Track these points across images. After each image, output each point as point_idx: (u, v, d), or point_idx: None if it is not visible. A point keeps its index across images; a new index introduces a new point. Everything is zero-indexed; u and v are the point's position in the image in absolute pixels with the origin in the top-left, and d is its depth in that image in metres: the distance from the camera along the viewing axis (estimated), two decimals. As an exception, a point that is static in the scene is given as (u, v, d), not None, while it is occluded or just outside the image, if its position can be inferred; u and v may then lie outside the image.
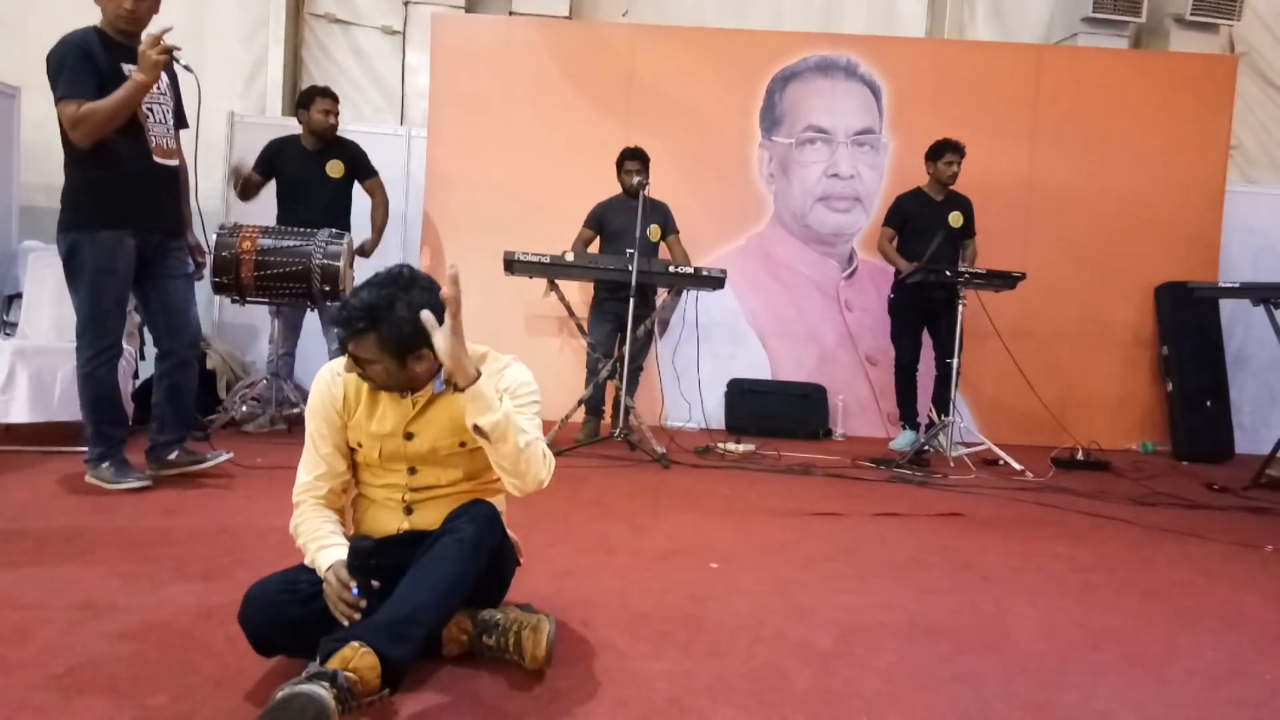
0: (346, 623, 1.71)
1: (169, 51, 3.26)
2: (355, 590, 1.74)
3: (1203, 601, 2.69)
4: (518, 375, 1.95)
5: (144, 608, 2.12)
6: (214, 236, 4.51)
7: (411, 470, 1.95)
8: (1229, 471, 5.48)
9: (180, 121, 3.66)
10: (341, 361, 1.92)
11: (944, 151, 5.50)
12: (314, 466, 1.96)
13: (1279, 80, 6.90)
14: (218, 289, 4.65)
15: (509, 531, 2.03)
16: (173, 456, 3.60)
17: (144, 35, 3.30)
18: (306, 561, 1.88)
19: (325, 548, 1.85)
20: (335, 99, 5.11)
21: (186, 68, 3.40)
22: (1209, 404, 6.19)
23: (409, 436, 1.93)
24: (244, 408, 5.06)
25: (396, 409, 1.93)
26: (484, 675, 1.83)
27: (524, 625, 1.86)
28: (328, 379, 1.95)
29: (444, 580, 1.72)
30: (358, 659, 1.55)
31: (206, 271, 4.25)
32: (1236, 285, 4.95)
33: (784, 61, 6.42)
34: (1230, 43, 6.83)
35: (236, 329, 6.22)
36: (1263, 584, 2.92)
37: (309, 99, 5.10)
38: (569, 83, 6.31)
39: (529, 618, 1.89)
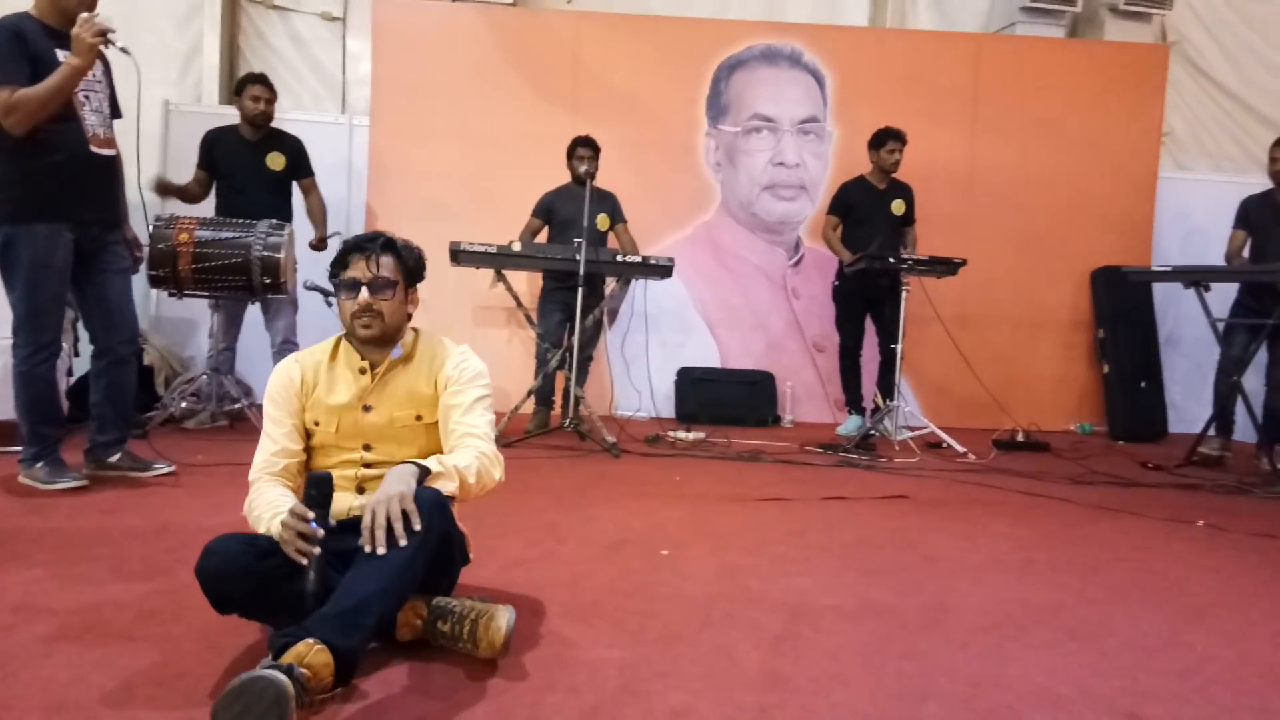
0: (305, 560, 1.70)
1: (104, 34, 3.16)
2: (314, 523, 1.72)
3: (1137, 576, 2.77)
4: (473, 365, 2.08)
5: (82, 609, 2.07)
6: (150, 228, 4.40)
7: (367, 447, 2.00)
8: (1163, 450, 5.66)
9: (114, 110, 3.55)
10: (300, 354, 2.02)
11: (886, 140, 5.56)
12: (270, 446, 2.00)
13: (1209, 69, 7.09)
14: (154, 282, 4.53)
15: (458, 524, 2.02)
16: (114, 459, 3.51)
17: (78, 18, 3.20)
18: (261, 530, 1.86)
19: (281, 512, 1.83)
20: (268, 85, 5.00)
21: (124, 50, 3.28)
22: (1143, 385, 6.38)
23: (367, 409, 2.01)
24: (183, 404, 4.94)
25: (355, 383, 2.02)
26: (435, 665, 1.83)
27: (482, 614, 1.85)
28: (287, 365, 2.05)
29: (393, 568, 1.70)
30: (312, 655, 1.54)
31: (143, 265, 4.15)
32: (1169, 269, 5.10)
33: (729, 50, 6.44)
34: (1163, 32, 7.01)
35: (174, 323, 6.07)
36: (1194, 558, 3.03)
37: (241, 86, 5.00)
38: (514, 70, 6.25)
39: (487, 606, 1.88)
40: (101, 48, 3.23)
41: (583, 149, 5.23)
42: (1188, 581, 2.74)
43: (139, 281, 3.94)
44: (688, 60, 6.41)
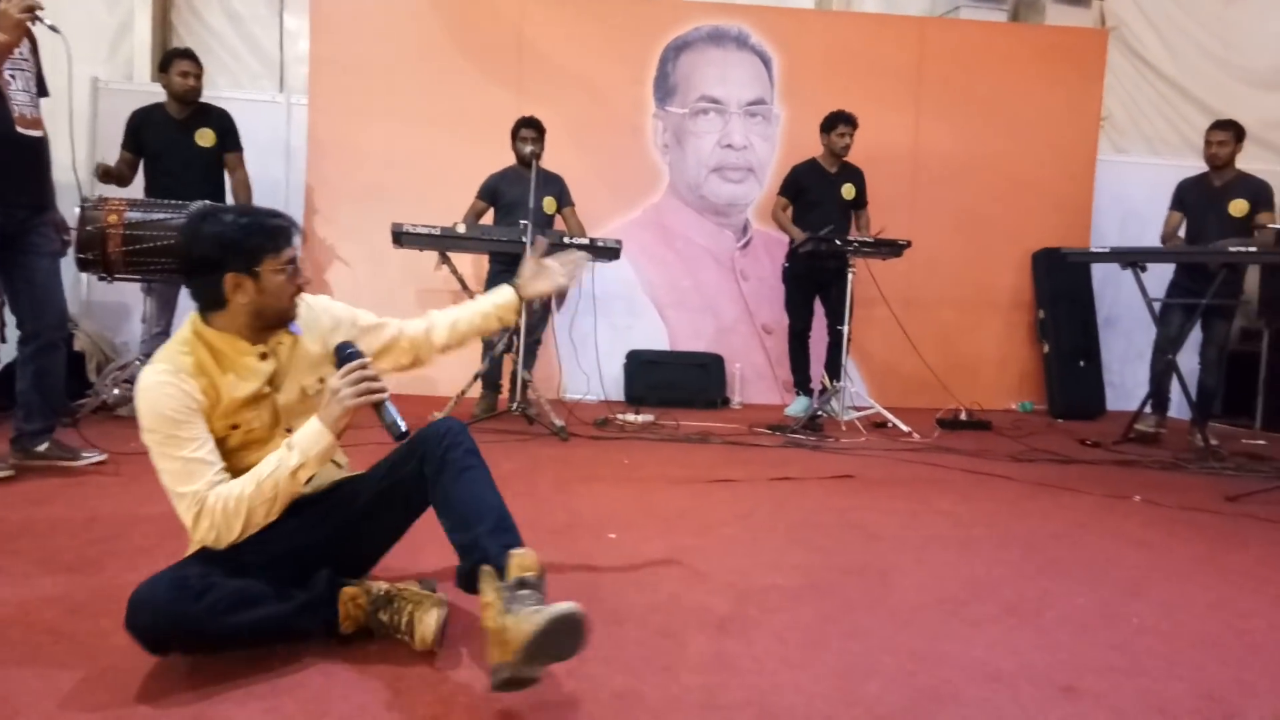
0: (384, 395, 1.78)
1: (32, 10, 3.03)
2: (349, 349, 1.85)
3: (1076, 551, 2.83)
4: (332, 300, 2.07)
5: (5, 603, 2.00)
6: (77, 210, 4.26)
7: (289, 429, 1.88)
8: (1101, 427, 5.79)
9: (41, 89, 3.42)
10: (165, 365, 1.76)
11: (836, 123, 5.58)
12: (205, 472, 1.74)
13: (1146, 54, 7.23)
14: (83, 266, 4.37)
15: None
16: (42, 448, 3.39)
17: None
18: (292, 463, 1.76)
19: (289, 445, 1.78)
20: (195, 60, 4.86)
21: (53, 28, 3.16)
22: (1082, 364, 6.51)
23: (274, 392, 1.88)
24: (116, 391, 4.80)
25: (258, 370, 1.85)
26: (376, 654, 1.80)
27: (416, 606, 1.83)
28: (170, 381, 1.73)
29: (487, 481, 1.84)
30: (530, 560, 1.66)
31: (71, 248, 4.01)
32: (1107, 250, 5.19)
33: (676, 30, 6.40)
34: (1101, 17, 7.12)
35: (105, 308, 5.89)
36: (1130, 532, 3.09)
37: (167, 62, 4.85)
38: (457, 48, 6.14)
39: (422, 597, 1.86)
40: (29, 25, 3.10)
41: (527, 130, 5.16)
42: (1124, 556, 2.80)
43: (68, 265, 3.81)
44: (634, 40, 6.36)
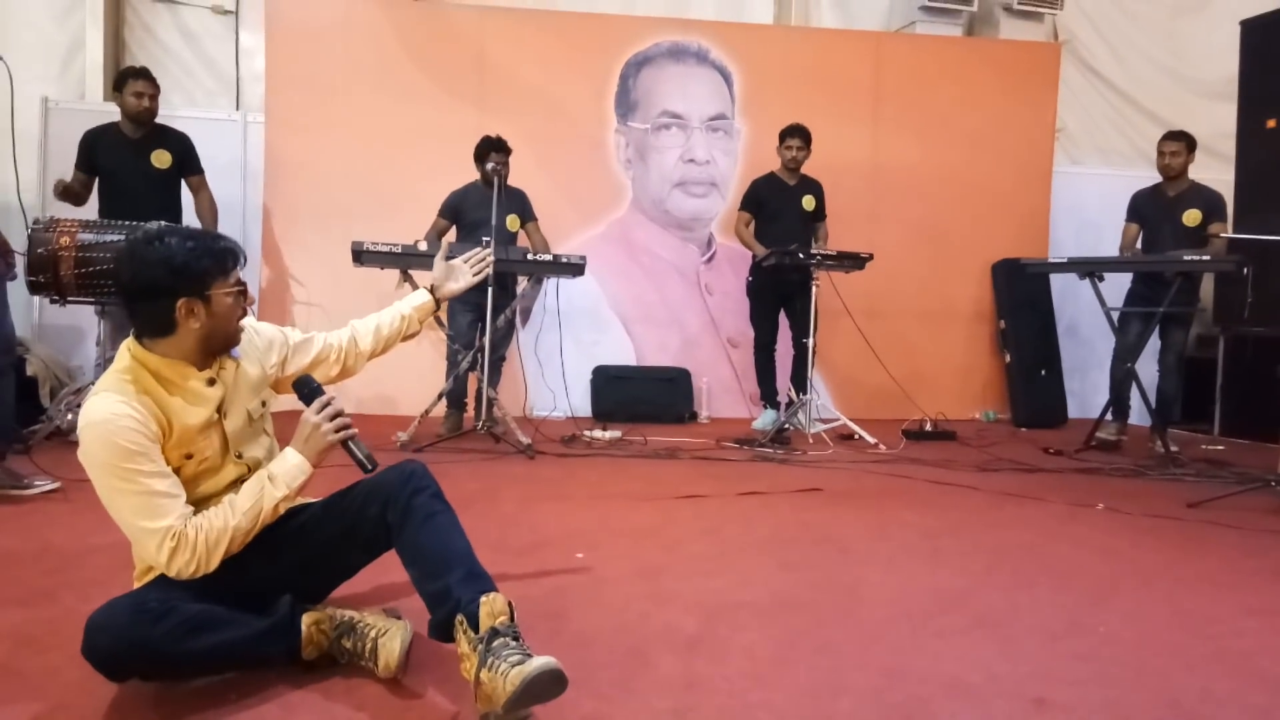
0: (354, 430, 1.83)
1: None
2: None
3: (1042, 560, 2.84)
4: (262, 324, 2.03)
5: (-51, 642, 1.93)
6: (28, 232, 4.16)
7: (239, 455, 1.86)
8: (1063, 435, 5.85)
9: None
10: (111, 395, 1.68)
11: (785, 137, 5.62)
12: (174, 505, 1.69)
13: (1098, 66, 7.37)
14: (35, 289, 4.28)
15: None
16: None
17: None
18: (278, 495, 1.78)
19: (270, 477, 1.79)
20: (151, 80, 4.78)
21: None
22: (1043, 373, 6.59)
23: (222, 415, 1.83)
24: (70, 416, 4.68)
25: (206, 396, 1.79)
26: (338, 684, 1.76)
27: (380, 632, 1.81)
28: (125, 410, 1.65)
29: (454, 526, 1.83)
30: (499, 604, 1.65)
31: (20, 271, 3.92)
32: (1065, 260, 5.27)
33: (636, 46, 6.42)
34: (1054, 31, 7.26)
35: (59, 331, 5.76)
36: (1095, 541, 3.12)
37: (121, 81, 4.77)
38: (416, 65, 6.11)
39: (385, 624, 1.83)
40: None
41: (497, 154, 5.07)
42: (1090, 565, 2.82)
43: (19, 288, 3.72)
44: (595, 56, 6.36)
